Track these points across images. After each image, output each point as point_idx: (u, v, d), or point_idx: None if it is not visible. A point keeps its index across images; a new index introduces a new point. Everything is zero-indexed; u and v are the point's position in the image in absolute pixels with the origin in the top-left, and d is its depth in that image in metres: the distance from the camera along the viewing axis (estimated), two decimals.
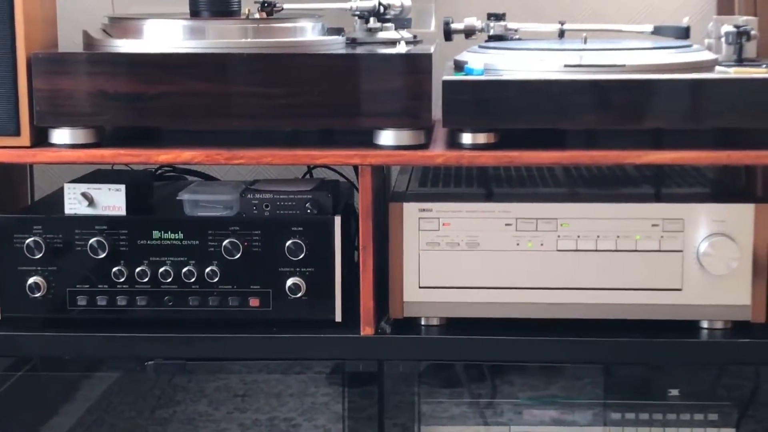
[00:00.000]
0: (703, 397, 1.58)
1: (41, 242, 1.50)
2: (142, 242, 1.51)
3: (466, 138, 1.47)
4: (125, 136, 1.56)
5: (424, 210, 1.51)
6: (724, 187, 1.67)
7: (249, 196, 1.53)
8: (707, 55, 1.55)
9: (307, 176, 1.82)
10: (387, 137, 1.48)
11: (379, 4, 1.66)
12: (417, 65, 1.46)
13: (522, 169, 1.74)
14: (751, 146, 1.46)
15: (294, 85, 1.46)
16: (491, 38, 1.68)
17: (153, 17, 1.55)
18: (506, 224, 1.50)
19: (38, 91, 1.47)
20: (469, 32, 1.69)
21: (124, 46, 1.53)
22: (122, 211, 1.53)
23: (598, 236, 1.49)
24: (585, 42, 1.59)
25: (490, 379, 1.62)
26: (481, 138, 1.47)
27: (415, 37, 1.70)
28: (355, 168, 1.50)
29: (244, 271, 1.51)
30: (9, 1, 1.46)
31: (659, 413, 1.56)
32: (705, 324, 1.51)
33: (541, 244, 1.50)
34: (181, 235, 1.51)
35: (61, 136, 1.49)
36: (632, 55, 1.50)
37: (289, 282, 1.50)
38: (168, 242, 1.51)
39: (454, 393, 1.61)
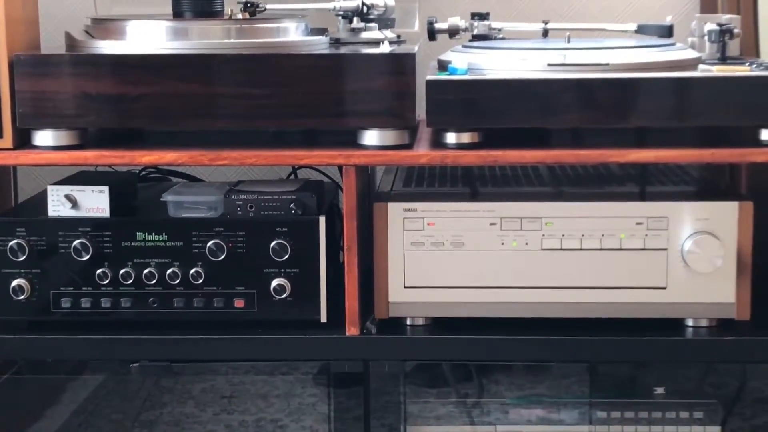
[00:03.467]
0: (688, 395, 1.58)
1: (24, 244, 1.50)
2: (126, 244, 1.51)
3: (451, 137, 1.47)
4: (109, 138, 1.55)
5: (408, 210, 1.51)
6: (709, 185, 1.67)
7: (233, 197, 1.53)
8: (690, 54, 1.56)
9: (292, 177, 1.82)
10: (371, 137, 1.48)
11: (363, 4, 1.65)
12: (401, 65, 1.46)
13: (506, 169, 1.74)
14: (734, 144, 1.46)
15: (277, 86, 1.46)
16: (475, 38, 1.68)
17: (136, 18, 1.55)
18: (491, 223, 1.50)
19: (21, 92, 1.47)
20: (453, 32, 1.69)
21: (106, 47, 1.53)
22: (106, 213, 1.52)
23: (582, 235, 1.49)
24: (568, 41, 1.59)
25: (477, 378, 1.62)
26: (466, 137, 1.47)
27: (398, 36, 1.70)
28: (340, 168, 1.50)
29: (228, 272, 1.50)
30: None
31: (645, 411, 1.57)
32: (690, 322, 1.52)
33: (526, 243, 1.50)
34: (165, 237, 1.51)
35: (43, 137, 1.49)
36: (616, 53, 1.50)
37: (274, 283, 1.50)
38: (152, 244, 1.51)
39: (440, 393, 1.61)
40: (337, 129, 1.50)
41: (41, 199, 1.57)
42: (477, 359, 1.56)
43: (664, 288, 1.50)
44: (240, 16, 1.59)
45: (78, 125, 1.49)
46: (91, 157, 1.49)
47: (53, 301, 1.52)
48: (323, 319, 1.52)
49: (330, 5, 1.66)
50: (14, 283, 1.51)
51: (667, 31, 1.64)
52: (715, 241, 1.48)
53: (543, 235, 1.50)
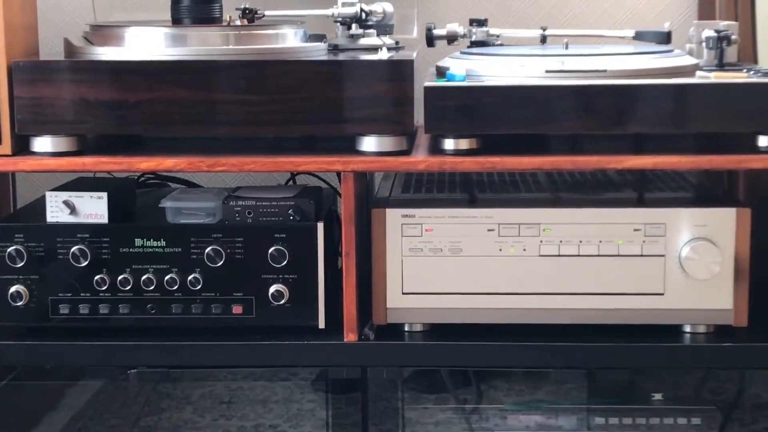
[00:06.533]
0: (686, 401, 1.58)
1: (23, 251, 1.50)
2: (124, 250, 1.51)
3: (449, 144, 1.47)
4: (107, 144, 1.56)
5: (406, 216, 1.51)
6: (706, 191, 1.67)
7: (231, 203, 1.53)
8: (688, 60, 1.56)
9: (290, 183, 1.82)
10: (369, 143, 1.48)
11: (361, 10, 1.66)
12: (399, 71, 1.46)
13: (504, 175, 1.74)
14: (732, 150, 1.46)
15: (276, 92, 1.46)
16: (473, 44, 1.68)
17: (134, 25, 1.55)
18: (489, 230, 1.50)
19: (19, 99, 1.47)
20: (451, 38, 1.69)
21: (105, 53, 1.53)
22: (104, 219, 1.52)
23: (580, 241, 1.49)
24: (566, 47, 1.60)
25: (475, 384, 1.62)
26: (464, 144, 1.47)
27: (397, 43, 1.70)
28: (338, 174, 1.50)
29: (226, 278, 1.50)
30: None
31: (643, 417, 1.57)
32: (687, 328, 1.51)
33: (524, 250, 1.50)
34: (163, 243, 1.51)
35: (42, 144, 1.49)
36: (614, 60, 1.51)
37: (272, 289, 1.50)
38: (150, 250, 1.51)
39: (438, 399, 1.61)
40: (336, 135, 1.50)
41: (40, 206, 1.57)
42: (475, 365, 1.56)
43: (662, 294, 1.50)
44: (238, 22, 1.59)
45: (77, 131, 1.49)
46: (90, 163, 1.49)
47: (51, 308, 1.52)
48: (321, 325, 1.52)
49: (328, 12, 1.66)
50: (12, 289, 1.51)
51: (665, 38, 1.64)
52: (712, 248, 1.48)
53: (541, 242, 1.50)
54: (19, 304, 1.51)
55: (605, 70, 1.47)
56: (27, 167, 1.50)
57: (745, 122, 1.45)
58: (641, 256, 1.49)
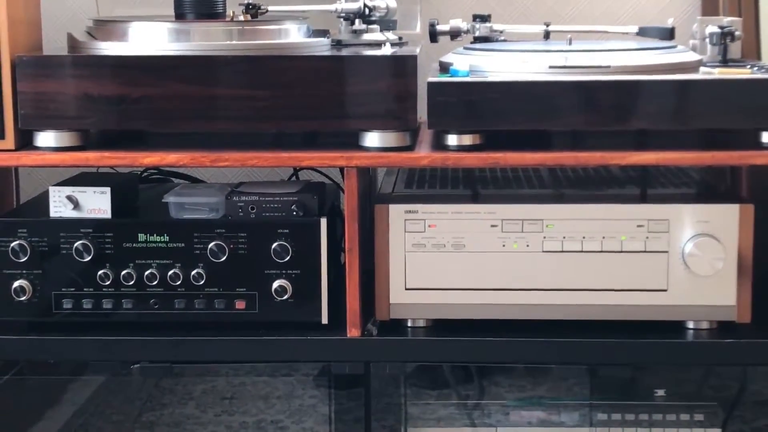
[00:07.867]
0: (689, 397, 1.58)
1: (26, 245, 1.50)
2: (127, 245, 1.51)
3: (452, 139, 1.47)
4: (110, 139, 1.56)
5: (410, 211, 1.51)
6: (709, 187, 1.67)
7: (235, 198, 1.53)
8: (692, 56, 1.56)
9: (293, 178, 1.82)
10: (372, 139, 1.48)
11: (365, 5, 1.66)
12: (402, 67, 1.46)
13: (508, 171, 1.74)
14: (735, 146, 1.46)
15: (279, 87, 1.46)
16: (477, 39, 1.68)
17: (138, 19, 1.55)
18: (492, 225, 1.50)
19: (23, 93, 1.47)
20: (454, 34, 1.69)
21: (108, 48, 1.53)
22: (107, 214, 1.52)
23: (583, 237, 1.49)
24: (570, 43, 1.60)
25: (477, 380, 1.62)
26: (467, 139, 1.47)
27: (400, 38, 1.70)
28: (341, 170, 1.50)
29: (230, 273, 1.51)
30: None
31: (645, 413, 1.57)
32: (690, 324, 1.52)
33: (527, 245, 1.50)
34: (166, 238, 1.51)
35: (45, 139, 1.49)
36: (617, 56, 1.50)
37: (275, 284, 1.50)
38: (154, 245, 1.51)
39: (441, 394, 1.61)
40: (339, 131, 1.50)
41: (43, 200, 1.57)
42: (478, 361, 1.56)
43: (665, 290, 1.50)
44: (242, 17, 1.58)
45: (80, 126, 1.49)
46: (93, 158, 1.49)
47: (55, 302, 1.52)
48: (324, 320, 1.52)
49: (332, 7, 1.66)
50: (16, 284, 1.51)
51: (669, 34, 1.64)
52: (715, 244, 1.48)
53: (544, 237, 1.50)
54: (23, 298, 1.51)
55: (608, 66, 1.47)
56: (30, 162, 1.50)
57: (749, 118, 1.45)
58: (644, 252, 1.49)
